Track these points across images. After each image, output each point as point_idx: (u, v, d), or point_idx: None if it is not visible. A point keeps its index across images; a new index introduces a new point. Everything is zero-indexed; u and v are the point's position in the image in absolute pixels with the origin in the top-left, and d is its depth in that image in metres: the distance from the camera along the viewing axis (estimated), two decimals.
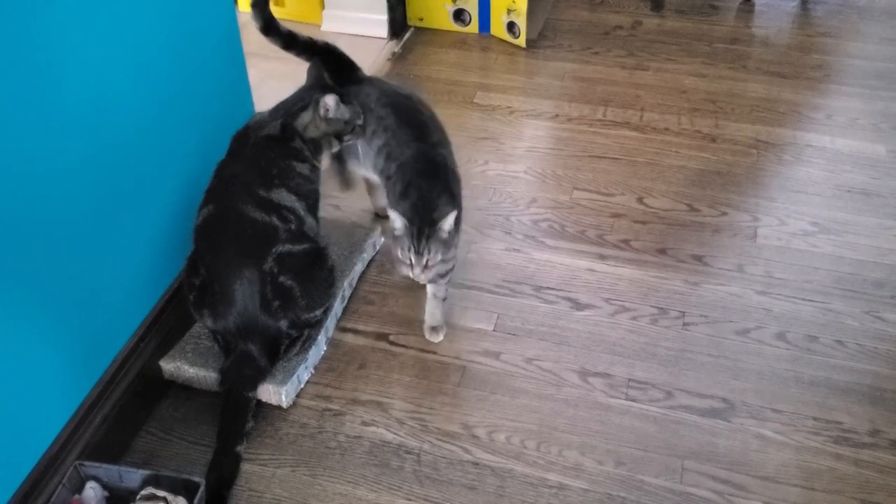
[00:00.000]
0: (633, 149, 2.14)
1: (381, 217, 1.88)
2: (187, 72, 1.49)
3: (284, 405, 1.49)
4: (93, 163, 1.27)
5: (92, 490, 1.28)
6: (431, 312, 1.62)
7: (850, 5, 2.79)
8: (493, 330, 1.64)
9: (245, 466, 1.40)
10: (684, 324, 1.65)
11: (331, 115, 1.52)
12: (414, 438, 1.45)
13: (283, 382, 1.47)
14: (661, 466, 1.39)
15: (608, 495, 1.35)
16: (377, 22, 2.58)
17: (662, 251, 1.82)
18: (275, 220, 1.42)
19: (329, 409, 1.50)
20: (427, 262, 1.45)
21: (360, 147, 1.65)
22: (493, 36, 2.64)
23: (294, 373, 1.49)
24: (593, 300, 1.71)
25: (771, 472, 1.38)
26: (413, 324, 1.65)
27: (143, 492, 1.27)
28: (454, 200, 1.50)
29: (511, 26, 2.57)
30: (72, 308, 1.28)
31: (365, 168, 1.70)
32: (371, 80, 1.72)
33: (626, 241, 1.85)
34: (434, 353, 1.60)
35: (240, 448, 1.39)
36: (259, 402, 1.48)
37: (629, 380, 1.54)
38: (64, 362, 1.29)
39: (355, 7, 2.57)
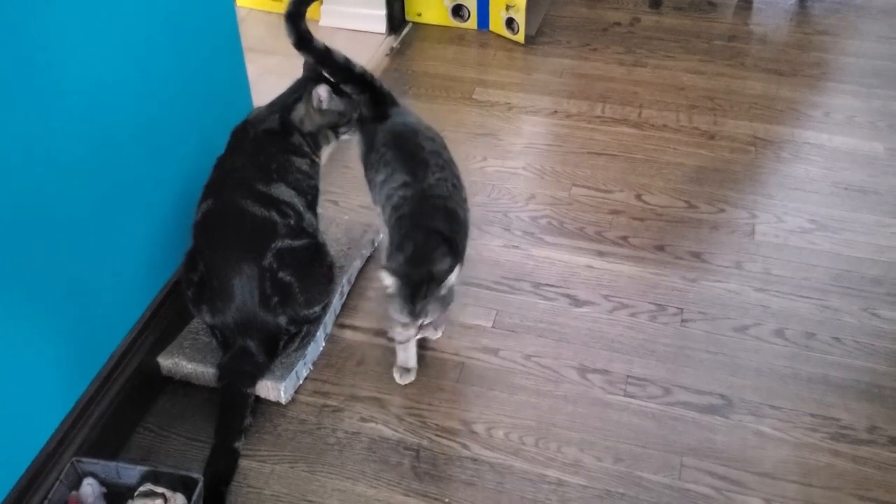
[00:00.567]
0: (632, 145, 2.14)
1: None
2: (186, 67, 1.49)
3: (283, 401, 1.48)
4: (90, 158, 1.26)
5: (89, 486, 1.27)
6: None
7: (848, 4, 2.79)
8: (492, 326, 1.64)
9: (243, 462, 1.40)
10: (682, 320, 1.65)
11: (324, 106, 1.52)
12: (413, 435, 1.45)
13: (282, 378, 1.46)
14: (659, 463, 1.39)
15: (607, 491, 1.35)
16: (375, 17, 2.57)
17: (661, 248, 1.83)
18: (274, 216, 1.41)
19: (328, 406, 1.50)
20: (423, 323, 1.35)
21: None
22: (491, 32, 2.63)
23: (292, 369, 1.48)
24: (592, 297, 1.71)
25: (769, 468, 1.38)
26: None
27: (142, 488, 1.27)
28: (455, 251, 1.37)
29: (510, 22, 2.56)
30: (69, 303, 1.28)
31: (373, 202, 1.58)
32: (398, 113, 1.58)
33: (624, 238, 1.85)
34: (433, 349, 1.60)
35: (238, 444, 1.38)
36: (257, 398, 1.47)
37: (628, 376, 1.54)
38: (61, 358, 1.28)
39: (353, 2, 2.57)
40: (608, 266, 1.78)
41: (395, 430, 1.46)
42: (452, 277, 1.31)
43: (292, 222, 1.44)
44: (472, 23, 2.64)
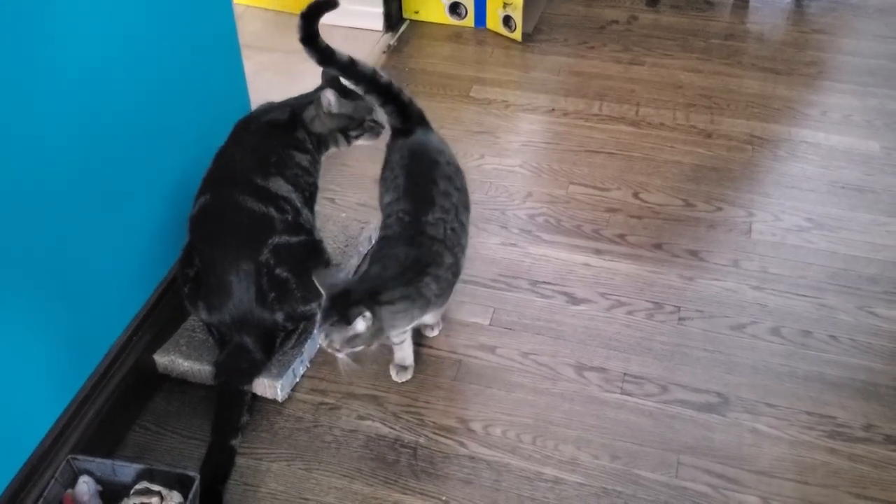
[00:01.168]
0: (629, 144, 2.14)
1: None
2: (183, 64, 1.48)
3: (280, 399, 1.48)
4: (85, 154, 1.26)
5: (85, 484, 1.27)
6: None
7: (844, 3, 2.80)
8: (490, 324, 1.64)
9: (240, 460, 1.39)
10: (679, 318, 1.65)
11: (333, 110, 1.52)
12: (410, 432, 1.45)
13: (279, 376, 1.46)
14: (656, 461, 1.39)
15: (604, 489, 1.35)
16: (372, 15, 2.57)
17: (658, 246, 1.83)
18: (272, 211, 1.41)
19: (325, 403, 1.49)
20: (330, 344, 1.26)
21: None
22: (488, 30, 2.63)
23: (289, 366, 1.48)
24: (589, 295, 1.71)
25: (766, 466, 1.39)
26: None
27: (137, 486, 1.27)
28: (401, 299, 1.28)
29: (507, 20, 2.56)
30: (65, 301, 1.27)
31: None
32: (423, 133, 1.51)
33: (621, 236, 1.85)
34: (430, 347, 1.60)
35: (235, 442, 1.38)
36: (254, 395, 1.47)
37: (625, 374, 1.54)
38: (57, 355, 1.28)
39: None
40: (605, 264, 1.78)
41: (393, 428, 1.45)
42: (359, 326, 1.23)
43: (289, 218, 1.44)
44: (469, 20, 2.64)
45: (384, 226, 1.40)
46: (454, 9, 2.62)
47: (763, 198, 1.96)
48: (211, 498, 1.31)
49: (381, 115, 1.55)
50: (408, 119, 1.49)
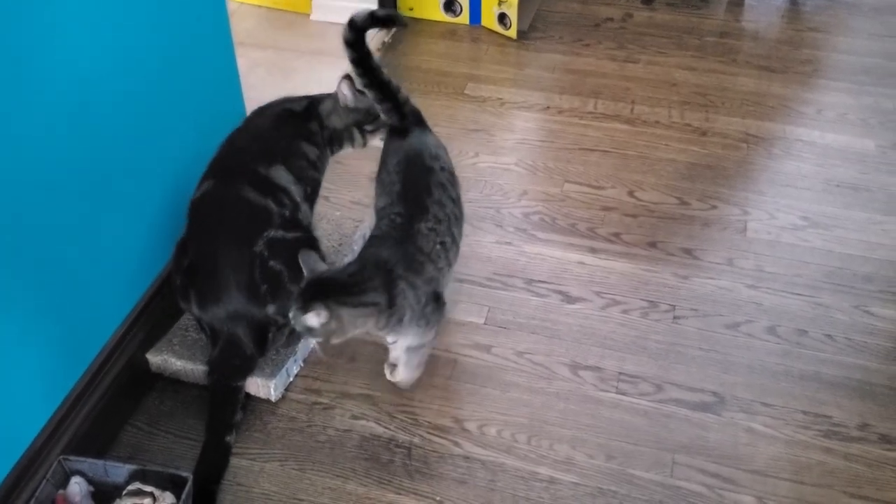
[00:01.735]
0: (624, 142, 2.14)
1: None
2: (176, 60, 1.47)
3: (273, 399, 1.47)
4: (77, 152, 1.25)
5: (77, 485, 1.26)
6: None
7: (839, 1, 2.80)
8: (485, 323, 1.64)
9: (233, 461, 1.38)
10: (675, 317, 1.65)
11: (350, 104, 1.51)
12: (404, 432, 1.44)
13: (272, 376, 1.45)
14: (651, 460, 1.39)
15: (599, 489, 1.35)
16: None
17: (653, 244, 1.82)
18: (270, 204, 1.40)
19: (318, 403, 1.49)
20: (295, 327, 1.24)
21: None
22: (483, 27, 2.62)
23: (283, 366, 1.47)
24: (584, 293, 1.70)
25: (761, 465, 1.38)
26: None
27: (130, 487, 1.26)
28: (366, 304, 1.25)
29: (502, 17, 2.55)
30: (57, 299, 1.26)
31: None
32: (419, 134, 1.48)
33: (616, 235, 1.85)
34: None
35: (230, 438, 1.37)
36: (248, 395, 1.46)
37: (620, 373, 1.54)
38: (48, 354, 1.27)
39: None
40: (600, 263, 1.78)
41: (387, 428, 1.45)
42: (311, 318, 1.20)
43: (287, 213, 1.43)
44: (464, 18, 2.63)
45: (375, 227, 1.38)
46: (449, 6, 2.61)
47: (758, 196, 1.96)
48: (205, 497, 1.30)
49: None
50: (404, 118, 1.47)
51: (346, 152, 1.60)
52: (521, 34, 2.56)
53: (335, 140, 1.55)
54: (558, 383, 1.52)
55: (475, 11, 2.60)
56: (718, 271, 1.75)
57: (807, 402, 1.49)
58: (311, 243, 1.49)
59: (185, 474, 1.26)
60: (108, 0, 1.26)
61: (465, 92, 2.32)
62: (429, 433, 1.44)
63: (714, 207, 1.92)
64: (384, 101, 1.45)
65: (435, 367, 1.55)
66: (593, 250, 1.81)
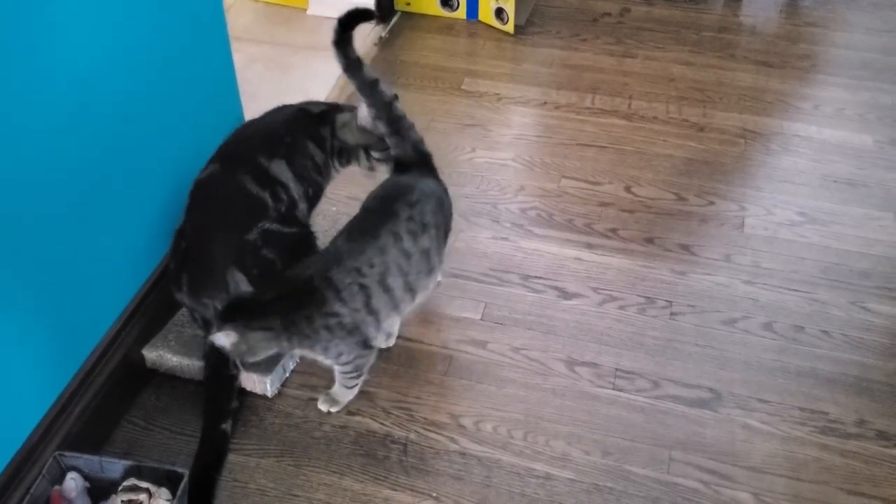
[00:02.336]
0: (621, 137, 2.13)
1: None
2: (172, 56, 1.46)
3: (269, 395, 1.47)
4: (73, 149, 1.24)
5: (72, 481, 1.25)
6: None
7: None
8: (481, 319, 1.63)
9: (229, 456, 1.38)
10: (671, 313, 1.65)
11: (366, 125, 1.49)
12: (400, 428, 1.44)
13: (268, 371, 1.45)
14: (647, 456, 1.39)
15: (595, 485, 1.35)
16: (364, 6, 2.54)
17: (650, 240, 1.82)
18: (266, 197, 1.40)
19: (314, 399, 1.48)
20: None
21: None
22: (480, 22, 2.61)
23: (279, 362, 1.47)
24: (581, 289, 1.70)
25: (758, 462, 1.38)
26: None
27: (125, 483, 1.26)
28: (266, 329, 1.24)
29: (499, 12, 2.54)
30: (52, 295, 1.26)
31: None
32: (422, 181, 1.42)
33: (613, 230, 1.84)
34: (420, 342, 1.59)
35: (226, 426, 1.37)
36: (244, 391, 1.46)
37: (616, 369, 1.54)
38: (44, 350, 1.26)
39: None
40: (597, 258, 1.77)
41: (383, 424, 1.45)
42: (219, 341, 1.22)
43: (283, 208, 1.42)
44: (461, 12, 2.62)
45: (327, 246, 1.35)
46: (446, 1, 2.60)
47: (755, 192, 1.96)
48: (206, 486, 1.30)
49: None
50: (408, 158, 1.44)
51: (354, 169, 1.59)
52: (519, 29, 2.56)
53: (343, 154, 1.55)
54: (554, 379, 1.52)
55: (472, 6, 2.59)
56: (715, 267, 1.75)
57: (803, 398, 1.49)
58: (308, 240, 1.49)
59: (180, 470, 1.26)
60: (107, 0, 1.25)
61: (462, 87, 2.32)
62: (425, 429, 1.44)
63: (711, 203, 1.92)
64: (393, 136, 1.43)
65: (431, 363, 1.55)
66: (590, 246, 1.80)
